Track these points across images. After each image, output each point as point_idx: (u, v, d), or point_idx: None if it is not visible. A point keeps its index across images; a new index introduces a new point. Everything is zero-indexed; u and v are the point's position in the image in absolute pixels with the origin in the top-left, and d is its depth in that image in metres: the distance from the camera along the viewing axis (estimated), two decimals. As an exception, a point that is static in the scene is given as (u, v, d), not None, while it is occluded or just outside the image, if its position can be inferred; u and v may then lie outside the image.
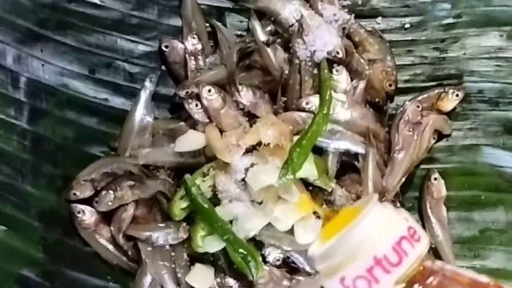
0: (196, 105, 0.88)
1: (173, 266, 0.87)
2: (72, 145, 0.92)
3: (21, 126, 0.91)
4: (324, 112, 0.84)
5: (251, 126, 0.87)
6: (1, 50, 0.91)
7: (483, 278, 0.49)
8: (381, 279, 0.46)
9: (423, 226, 0.90)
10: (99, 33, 0.94)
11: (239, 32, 0.95)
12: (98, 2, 0.94)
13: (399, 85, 0.93)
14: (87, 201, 0.89)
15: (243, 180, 0.84)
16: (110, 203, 0.87)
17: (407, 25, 0.95)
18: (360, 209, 0.48)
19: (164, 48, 0.93)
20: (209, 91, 0.86)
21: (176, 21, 0.95)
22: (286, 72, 0.90)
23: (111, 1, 0.95)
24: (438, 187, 0.90)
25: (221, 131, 0.86)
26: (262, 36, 0.91)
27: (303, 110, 0.87)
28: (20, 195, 0.90)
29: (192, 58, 0.92)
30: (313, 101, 0.87)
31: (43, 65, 0.93)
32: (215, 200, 0.84)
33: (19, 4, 0.92)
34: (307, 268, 0.86)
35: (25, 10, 0.92)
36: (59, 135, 0.92)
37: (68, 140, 0.92)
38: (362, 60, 0.91)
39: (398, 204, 0.89)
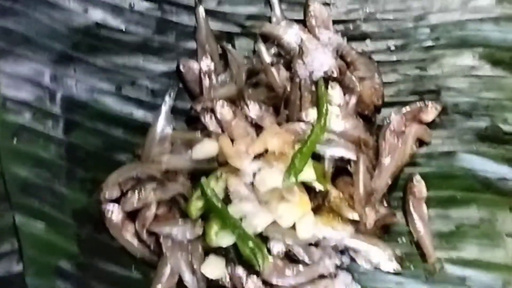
0: (210, 117, 0.91)
1: (189, 258, 0.89)
2: (101, 152, 0.95)
3: (57, 136, 0.95)
4: (322, 123, 0.87)
5: (258, 135, 0.90)
6: (40, 70, 0.95)
7: None
8: None
9: (407, 222, 0.92)
10: (124, 55, 0.98)
11: (246, 54, 0.98)
12: (124, 28, 0.98)
13: (386, 100, 0.96)
14: (115, 202, 0.92)
15: (251, 182, 0.87)
16: (135, 203, 0.90)
17: (392, 47, 0.98)
18: None
19: (181, 68, 0.96)
20: (222, 105, 0.90)
21: (192, 44, 0.99)
22: (288, 88, 0.92)
23: (135, 27, 0.98)
24: (420, 188, 0.92)
25: (232, 140, 0.89)
26: (267, 58, 0.94)
27: (303, 121, 0.90)
28: (57, 196, 0.92)
29: (206, 76, 0.95)
30: (312, 114, 0.90)
31: (76, 83, 0.96)
32: (227, 200, 0.87)
33: (55, 29, 0.95)
34: (306, 259, 0.88)
35: (60, 34, 0.96)
36: (90, 144, 0.95)
37: (98, 148, 0.95)
38: (353, 78, 0.94)
39: (385, 203, 0.91)
